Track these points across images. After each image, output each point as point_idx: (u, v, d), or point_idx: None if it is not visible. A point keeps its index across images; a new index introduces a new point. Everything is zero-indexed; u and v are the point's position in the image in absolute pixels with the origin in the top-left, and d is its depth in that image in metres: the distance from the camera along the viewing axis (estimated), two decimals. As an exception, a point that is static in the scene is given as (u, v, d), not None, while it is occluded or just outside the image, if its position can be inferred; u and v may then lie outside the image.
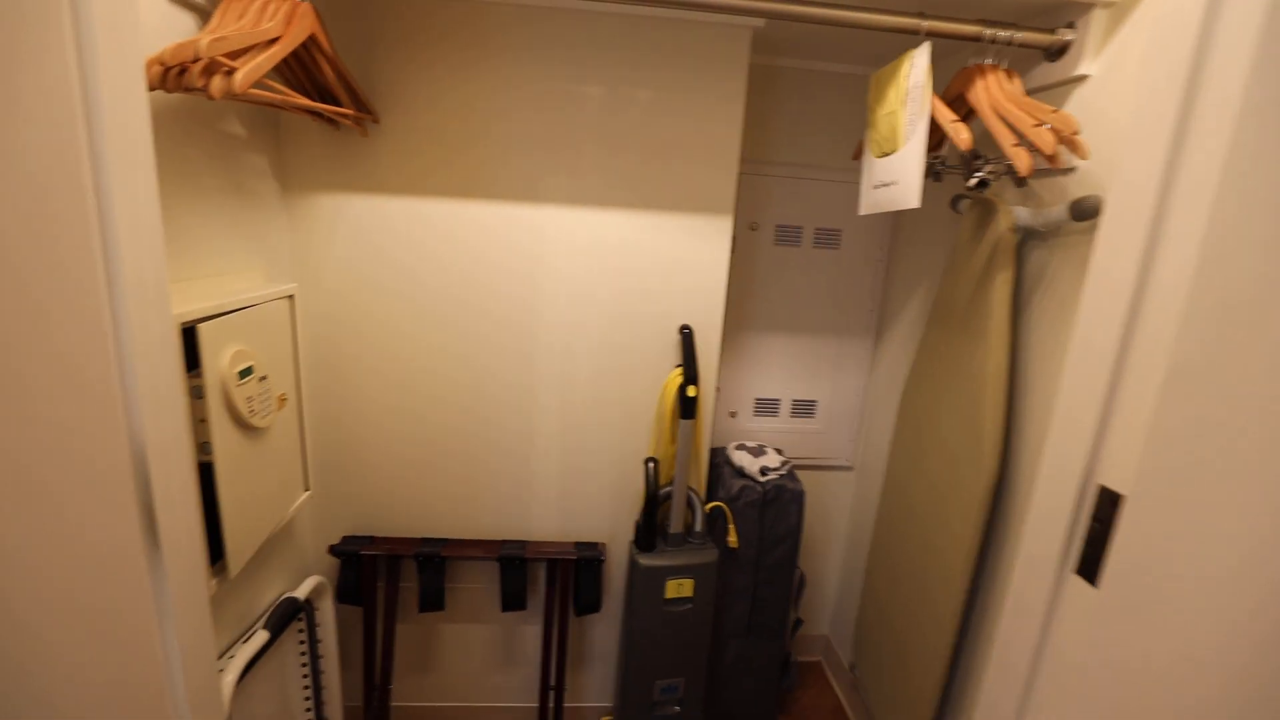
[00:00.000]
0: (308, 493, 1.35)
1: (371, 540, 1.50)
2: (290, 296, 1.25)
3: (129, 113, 0.63)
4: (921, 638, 1.37)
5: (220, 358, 0.98)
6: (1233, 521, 0.56)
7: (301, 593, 1.37)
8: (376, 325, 1.43)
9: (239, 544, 1.05)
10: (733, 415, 1.85)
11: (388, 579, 1.50)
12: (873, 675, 1.62)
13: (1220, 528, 0.58)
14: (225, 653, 1.17)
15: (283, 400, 1.21)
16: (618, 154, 1.40)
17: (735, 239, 1.65)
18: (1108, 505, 0.71)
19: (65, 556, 0.57)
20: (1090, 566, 0.73)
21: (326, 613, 1.46)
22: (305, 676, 1.45)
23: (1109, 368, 0.73)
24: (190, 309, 0.93)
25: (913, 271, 1.69)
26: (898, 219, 1.77)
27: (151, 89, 0.84)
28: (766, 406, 1.86)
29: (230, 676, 1.10)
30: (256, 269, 1.24)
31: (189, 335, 0.93)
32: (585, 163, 1.39)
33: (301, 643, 1.43)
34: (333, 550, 1.47)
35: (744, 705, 1.78)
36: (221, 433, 0.98)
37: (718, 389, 1.66)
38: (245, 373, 1.04)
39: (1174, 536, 0.62)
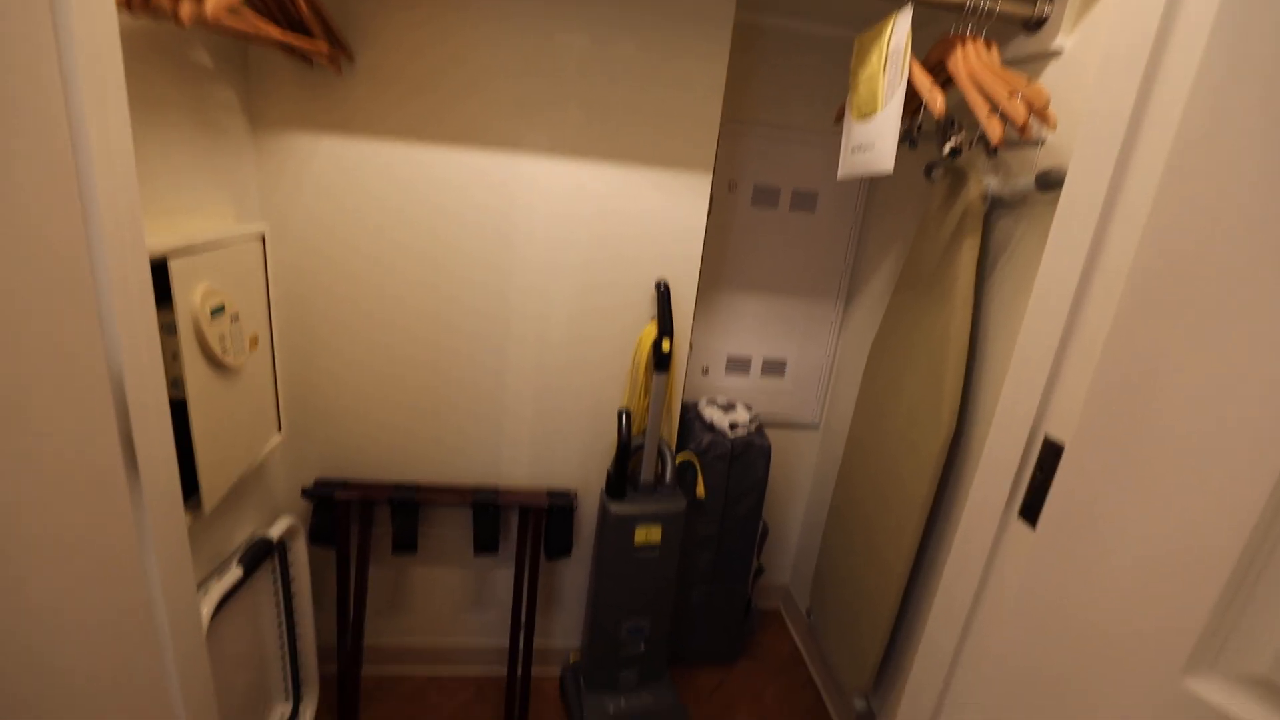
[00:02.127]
0: (280, 435, 1.35)
1: (345, 484, 1.51)
2: (261, 237, 1.23)
3: (99, 27, 0.61)
4: (873, 586, 1.46)
5: (191, 294, 0.97)
6: (1159, 474, 0.62)
7: (274, 533, 1.38)
8: (349, 268, 1.41)
9: (212, 480, 1.05)
10: (705, 372, 1.89)
11: (361, 522, 1.52)
12: (828, 621, 1.72)
13: (1147, 479, 0.63)
14: (199, 587, 1.18)
15: (255, 341, 1.20)
16: (599, 105, 1.38)
17: (713, 198, 1.66)
18: (1051, 454, 0.77)
19: (48, 481, 0.57)
20: (1031, 511, 0.79)
21: (299, 553, 1.48)
22: (279, 615, 1.48)
23: (1061, 326, 0.78)
24: (159, 242, 0.91)
25: (885, 237, 1.73)
26: (873, 185, 1.79)
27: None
28: (738, 364, 1.90)
29: (205, 609, 1.12)
30: (224, 207, 1.21)
31: (159, 271, 0.91)
32: (565, 112, 1.38)
33: (275, 582, 1.45)
34: (305, 493, 1.48)
35: (707, 646, 1.87)
36: (194, 369, 0.98)
37: (690, 346, 1.69)
38: (217, 311, 1.02)
39: (1105, 484, 0.68)
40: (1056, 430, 0.77)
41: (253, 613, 1.41)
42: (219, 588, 1.17)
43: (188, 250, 0.96)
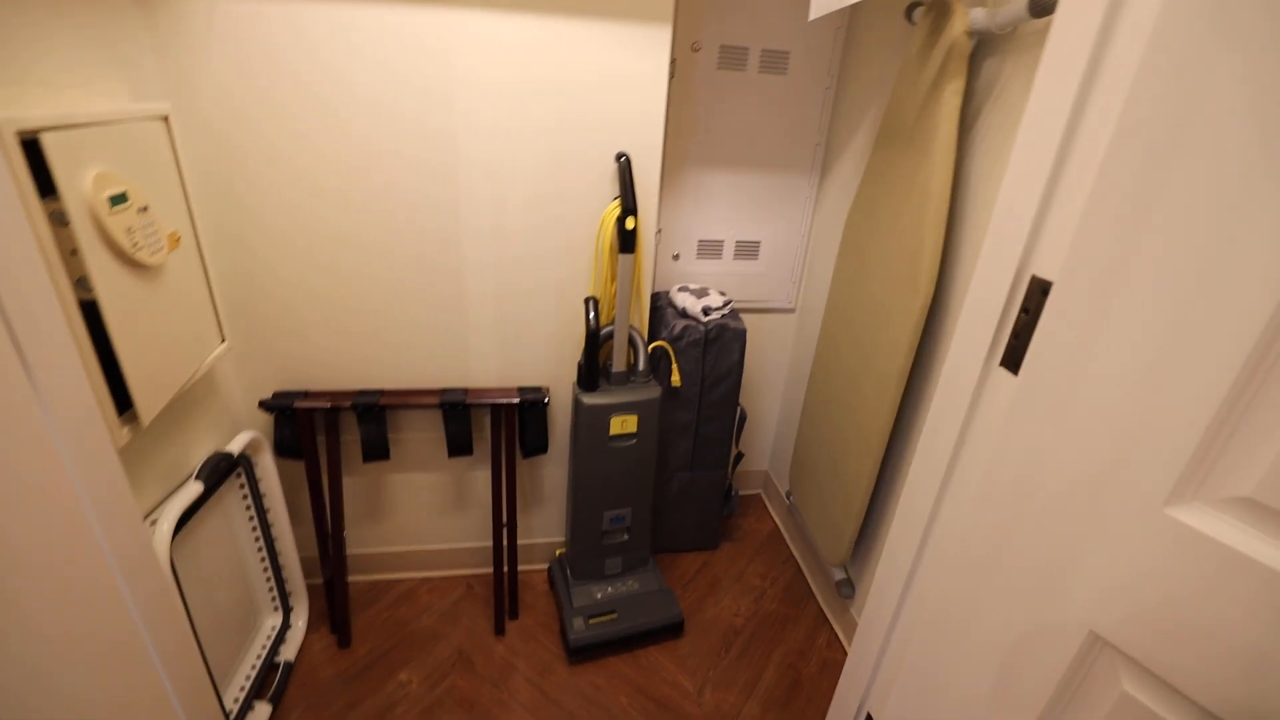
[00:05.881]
0: (225, 344, 1.26)
1: (306, 394, 1.44)
2: (164, 118, 1.08)
3: None
4: (851, 462, 1.46)
5: (79, 179, 0.84)
6: (1150, 308, 0.58)
7: (235, 448, 1.32)
8: (273, 155, 1.26)
9: (146, 390, 0.97)
10: (675, 258, 1.80)
11: (327, 432, 1.46)
12: (807, 500, 1.75)
13: (1137, 312, 0.59)
14: (158, 507, 1.13)
15: (176, 239, 1.08)
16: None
17: (675, 60, 1.51)
18: (1037, 294, 0.72)
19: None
20: (1014, 356, 0.75)
21: (267, 467, 1.43)
22: (255, 530, 1.45)
23: (1051, 158, 0.71)
24: (27, 115, 0.78)
25: (861, 98, 1.61)
26: (849, 38, 1.64)
27: None
28: (710, 248, 1.81)
29: (165, 526, 1.07)
30: (115, 84, 1.06)
31: (34, 152, 0.79)
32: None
33: (245, 497, 1.41)
34: (264, 405, 1.41)
35: (689, 531, 1.91)
36: (100, 267, 0.87)
37: (659, 230, 1.59)
38: (118, 199, 0.90)
39: (1094, 320, 0.63)
40: (1044, 269, 0.72)
41: (226, 530, 1.38)
42: (178, 504, 1.13)
43: (66, 126, 0.83)
